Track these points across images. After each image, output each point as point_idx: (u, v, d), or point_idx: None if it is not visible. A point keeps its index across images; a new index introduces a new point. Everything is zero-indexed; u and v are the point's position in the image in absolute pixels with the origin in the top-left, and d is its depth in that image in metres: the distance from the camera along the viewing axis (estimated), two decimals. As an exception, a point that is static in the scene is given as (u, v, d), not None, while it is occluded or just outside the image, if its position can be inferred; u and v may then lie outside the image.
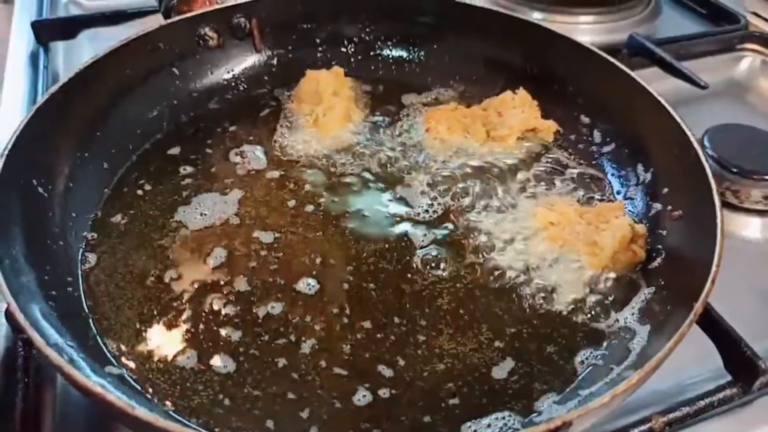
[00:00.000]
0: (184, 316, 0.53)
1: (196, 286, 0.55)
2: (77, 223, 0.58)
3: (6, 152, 0.52)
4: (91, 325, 0.51)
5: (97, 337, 0.50)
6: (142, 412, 0.35)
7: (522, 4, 1.01)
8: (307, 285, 0.56)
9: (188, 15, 0.71)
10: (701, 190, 0.53)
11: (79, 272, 0.55)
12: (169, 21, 0.70)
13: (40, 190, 0.56)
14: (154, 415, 0.34)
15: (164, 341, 0.51)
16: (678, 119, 0.59)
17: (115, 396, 0.36)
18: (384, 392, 0.49)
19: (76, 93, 0.61)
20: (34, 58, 0.92)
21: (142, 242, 0.58)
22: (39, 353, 0.39)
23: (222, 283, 0.55)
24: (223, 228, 0.60)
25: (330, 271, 0.57)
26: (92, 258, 0.57)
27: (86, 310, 0.52)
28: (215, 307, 0.54)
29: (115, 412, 0.37)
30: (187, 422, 0.44)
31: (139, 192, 0.63)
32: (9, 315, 0.55)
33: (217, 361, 0.50)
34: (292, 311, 0.53)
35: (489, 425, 0.47)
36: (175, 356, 0.50)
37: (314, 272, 0.57)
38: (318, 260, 0.58)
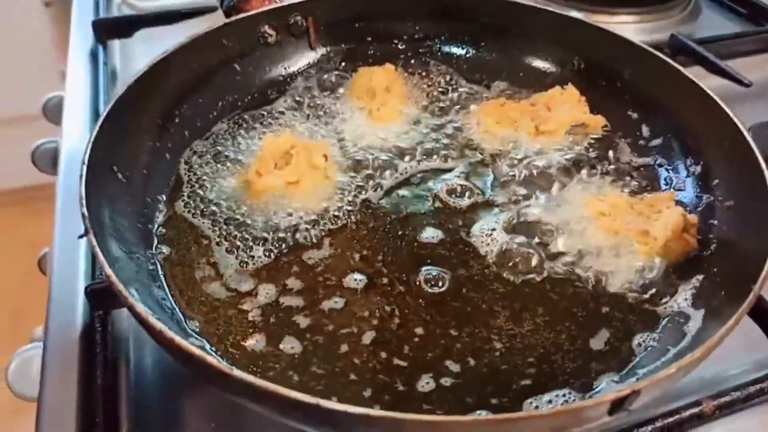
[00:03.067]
0: (255, 300, 0.56)
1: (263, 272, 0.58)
2: (152, 208, 0.61)
3: (92, 140, 0.55)
4: (172, 304, 0.54)
5: (178, 314, 0.53)
6: (239, 372, 0.38)
7: (563, 4, 1.03)
8: (355, 280, 0.57)
9: (250, 13, 0.74)
10: (753, 181, 0.55)
11: (157, 255, 0.58)
12: (232, 19, 0.73)
13: (119, 176, 0.59)
14: (252, 376, 0.37)
15: (237, 323, 0.54)
16: (729, 112, 0.61)
17: (215, 358, 0.39)
18: (446, 380, 0.51)
19: (151, 85, 0.64)
20: (93, 56, 0.96)
21: (213, 230, 0.61)
22: (142, 323, 0.42)
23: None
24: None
25: (383, 266, 0.59)
26: (166, 243, 0.59)
27: (166, 290, 0.55)
28: (283, 295, 0.56)
29: (211, 374, 0.39)
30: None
31: (203, 179, 0.66)
32: (91, 292, 0.59)
33: (285, 343, 0.53)
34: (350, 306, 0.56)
35: (550, 401, 0.49)
36: (247, 337, 0.53)
37: (365, 268, 0.58)
38: (372, 255, 0.60)
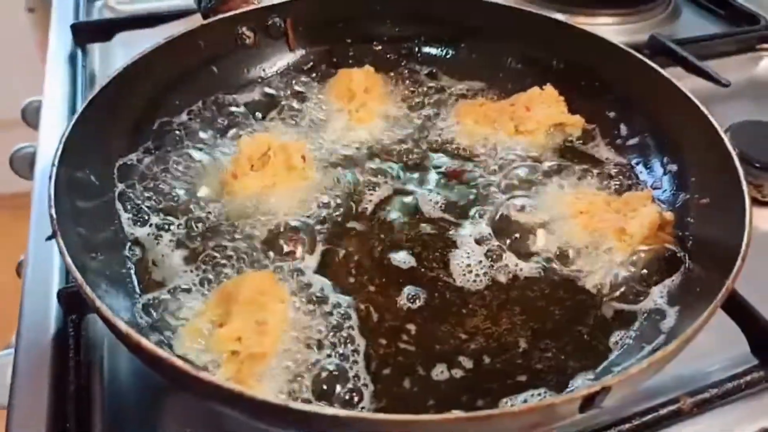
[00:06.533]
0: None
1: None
2: (125, 210, 0.60)
3: (63, 141, 0.55)
4: (139, 306, 0.53)
5: (149, 319, 0.53)
6: (206, 375, 0.37)
7: (544, 6, 1.03)
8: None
9: (227, 15, 0.73)
10: (728, 177, 0.55)
11: (129, 258, 0.57)
12: (210, 20, 0.73)
13: (92, 178, 0.58)
14: (219, 379, 0.36)
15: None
16: (705, 111, 0.61)
17: (182, 363, 0.38)
18: (418, 382, 0.50)
19: (125, 87, 0.63)
20: (72, 59, 0.95)
21: (187, 231, 0.60)
22: (108, 325, 0.41)
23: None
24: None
25: (360, 274, 0.58)
26: (139, 245, 0.58)
27: (138, 293, 0.54)
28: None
29: (178, 377, 0.39)
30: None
31: (178, 181, 0.65)
32: (63, 296, 0.58)
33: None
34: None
35: (525, 400, 0.48)
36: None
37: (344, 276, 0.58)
38: (349, 262, 0.59)
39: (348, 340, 0.52)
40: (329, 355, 0.51)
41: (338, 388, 0.49)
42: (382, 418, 0.36)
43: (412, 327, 0.54)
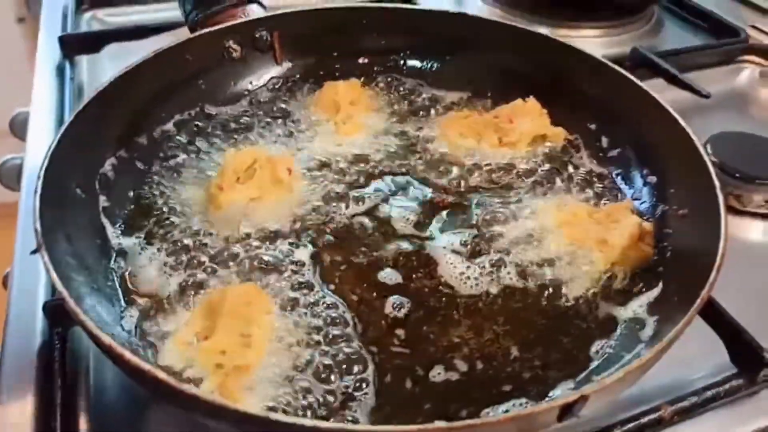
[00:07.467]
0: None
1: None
2: (111, 223, 0.61)
3: (49, 154, 0.55)
4: (129, 321, 0.54)
5: (134, 332, 0.53)
6: (187, 387, 0.37)
7: (528, 20, 1.05)
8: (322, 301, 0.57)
9: (214, 28, 0.74)
10: (705, 189, 0.56)
11: (115, 271, 0.57)
12: (197, 34, 0.74)
13: (78, 191, 0.59)
14: (202, 391, 0.37)
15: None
16: (683, 124, 0.62)
17: (164, 375, 0.38)
18: (407, 391, 0.50)
19: (112, 100, 0.64)
20: (60, 71, 0.96)
21: (173, 243, 0.61)
22: (92, 338, 0.42)
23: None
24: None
25: (345, 286, 0.58)
26: (124, 258, 0.59)
27: (124, 307, 0.55)
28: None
29: (161, 390, 0.39)
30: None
31: (164, 195, 0.65)
32: (48, 309, 0.58)
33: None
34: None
35: (507, 411, 0.49)
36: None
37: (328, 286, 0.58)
38: (334, 275, 0.59)
39: (337, 348, 0.53)
40: (317, 365, 0.51)
41: (331, 391, 0.49)
42: (363, 430, 0.37)
43: (401, 333, 0.55)
